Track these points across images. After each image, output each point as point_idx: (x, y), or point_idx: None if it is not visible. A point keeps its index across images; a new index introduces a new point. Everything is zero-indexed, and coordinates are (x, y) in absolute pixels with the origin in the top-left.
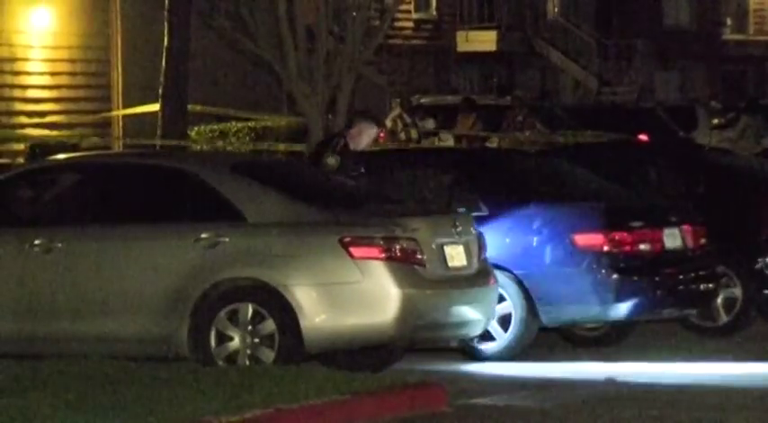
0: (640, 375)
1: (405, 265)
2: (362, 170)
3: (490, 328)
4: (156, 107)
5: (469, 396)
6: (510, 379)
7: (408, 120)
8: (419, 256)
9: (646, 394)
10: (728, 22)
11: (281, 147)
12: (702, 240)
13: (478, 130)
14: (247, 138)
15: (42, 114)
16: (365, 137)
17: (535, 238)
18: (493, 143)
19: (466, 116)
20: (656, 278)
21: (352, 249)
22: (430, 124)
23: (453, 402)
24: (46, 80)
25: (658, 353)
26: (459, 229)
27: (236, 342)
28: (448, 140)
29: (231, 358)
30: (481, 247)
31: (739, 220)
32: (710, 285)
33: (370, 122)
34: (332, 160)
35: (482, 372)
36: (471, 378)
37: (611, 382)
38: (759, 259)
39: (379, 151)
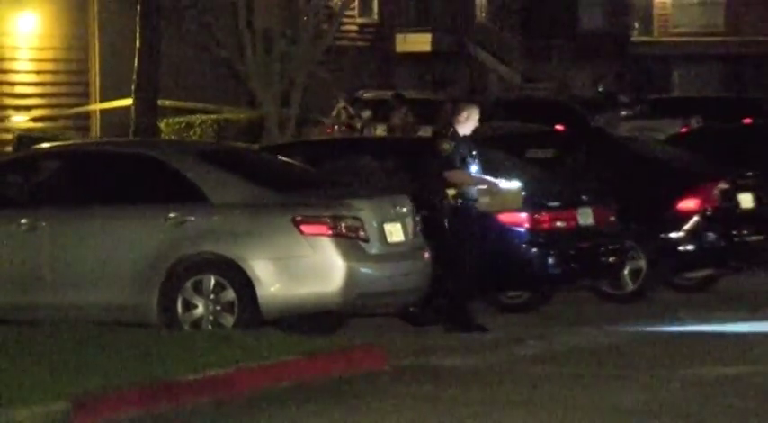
0: (559, 337)
1: (349, 240)
2: (474, 153)
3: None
4: (129, 102)
5: (406, 357)
6: (442, 341)
7: (352, 112)
8: (362, 233)
9: (565, 354)
10: (636, 25)
11: (242, 139)
12: (612, 218)
13: (410, 122)
14: (210, 129)
15: (28, 108)
16: (471, 121)
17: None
18: (426, 133)
19: (398, 109)
20: (572, 252)
21: (302, 227)
22: (367, 114)
23: (392, 363)
24: (32, 78)
25: (573, 317)
26: (398, 209)
27: (200, 309)
28: (384, 131)
29: (196, 324)
30: (417, 224)
31: (644, 199)
32: (618, 258)
33: (474, 107)
34: (447, 145)
35: (418, 335)
36: (409, 341)
37: (534, 344)
38: (661, 235)
39: (327, 140)
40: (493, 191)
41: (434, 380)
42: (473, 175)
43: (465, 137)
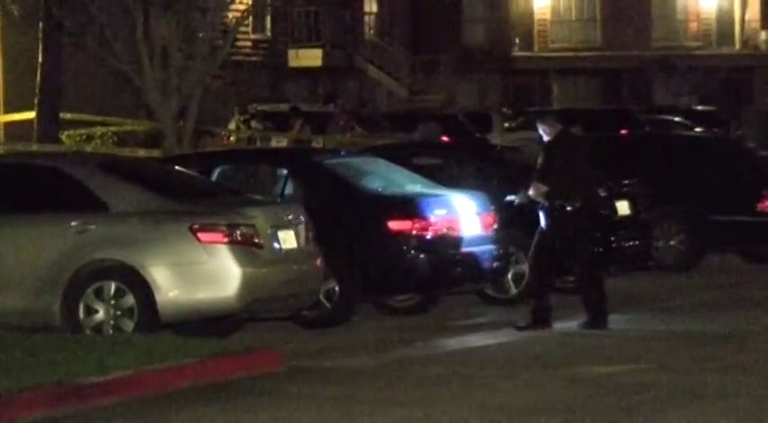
0: (447, 338)
1: (244, 247)
2: None
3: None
4: (32, 115)
5: (302, 358)
6: (336, 343)
7: (246, 125)
8: (257, 240)
9: (454, 354)
10: (517, 41)
11: (142, 152)
12: (495, 225)
13: (306, 133)
14: (110, 141)
15: None
16: None
17: (357, 224)
18: (318, 144)
19: (294, 121)
20: (458, 257)
21: (199, 234)
22: (268, 125)
23: (288, 364)
24: None
25: (458, 319)
26: (291, 217)
27: (101, 314)
28: (282, 142)
29: (97, 328)
30: (309, 231)
31: (520, 207)
32: (502, 263)
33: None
34: None
35: (313, 337)
36: (304, 343)
37: (424, 345)
38: None
39: (223, 151)
40: None
41: (328, 380)
42: None
43: None
